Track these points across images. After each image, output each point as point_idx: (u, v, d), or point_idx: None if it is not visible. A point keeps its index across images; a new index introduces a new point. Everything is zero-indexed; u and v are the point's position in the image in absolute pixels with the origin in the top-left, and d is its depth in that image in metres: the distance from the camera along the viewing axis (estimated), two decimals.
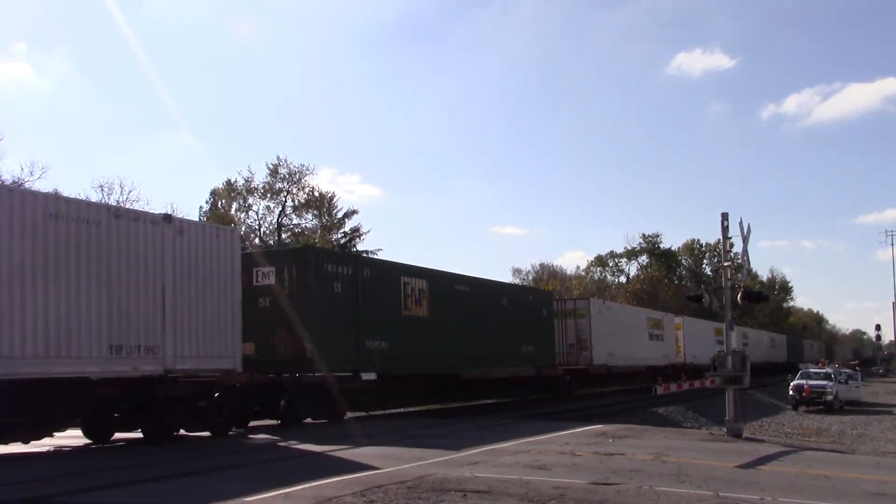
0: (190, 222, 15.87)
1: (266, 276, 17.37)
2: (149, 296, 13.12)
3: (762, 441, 16.89)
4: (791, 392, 33.93)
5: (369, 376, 18.37)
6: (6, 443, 12.14)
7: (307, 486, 8.64)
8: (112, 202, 33.80)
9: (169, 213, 16.74)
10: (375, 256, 37.86)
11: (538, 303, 28.71)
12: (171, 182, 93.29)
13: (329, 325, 17.49)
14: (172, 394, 13.77)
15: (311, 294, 17.31)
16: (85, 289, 12.09)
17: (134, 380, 13.00)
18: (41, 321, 11.40)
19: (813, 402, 33.16)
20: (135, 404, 13.71)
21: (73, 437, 14.25)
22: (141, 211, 16.03)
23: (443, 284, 22.33)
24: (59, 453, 12.98)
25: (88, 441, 14.03)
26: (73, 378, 11.95)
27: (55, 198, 13.26)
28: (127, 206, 28.80)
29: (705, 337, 44.71)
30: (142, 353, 12.88)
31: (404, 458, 11.04)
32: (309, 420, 17.70)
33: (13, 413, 11.47)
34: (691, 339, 42.74)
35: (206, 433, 14.98)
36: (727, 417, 16.40)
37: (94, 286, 12.23)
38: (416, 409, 23.44)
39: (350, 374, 18.10)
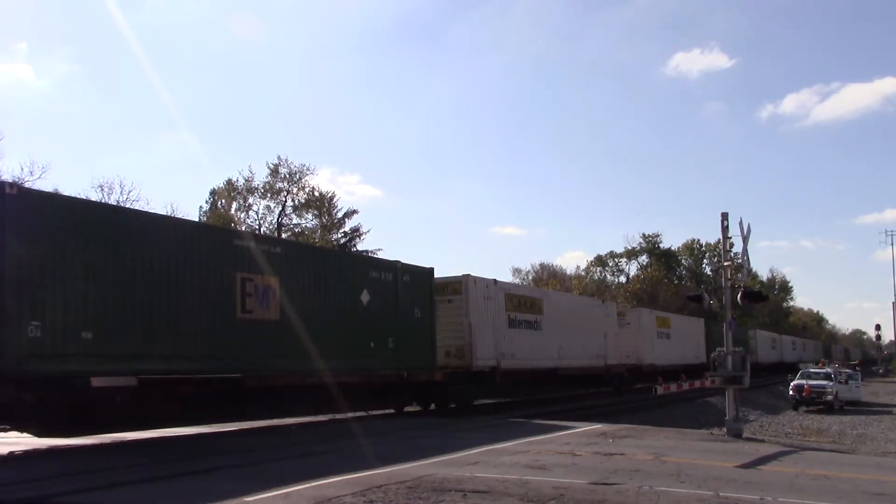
0: None
1: None
2: None
3: (762, 441, 16.89)
4: (791, 392, 33.95)
5: None
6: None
7: (307, 485, 8.63)
8: (112, 202, 33.78)
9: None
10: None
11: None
12: (171, 182, 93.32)
13: None
14: None
15: None
16: None
17: None
18: None
19: (813, 402, 33.16)
20: None
21: (74, 438, 14.22)
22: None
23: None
24: (59, 453, 12.97)
25: (89, 441, 14.02)
26: None
27: None
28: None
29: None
30: None
31: (404, 457, 11.04)
32: None
33: None
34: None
35: None
36: (727, 417, 16.42)
37: None
38: None
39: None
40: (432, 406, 21.55)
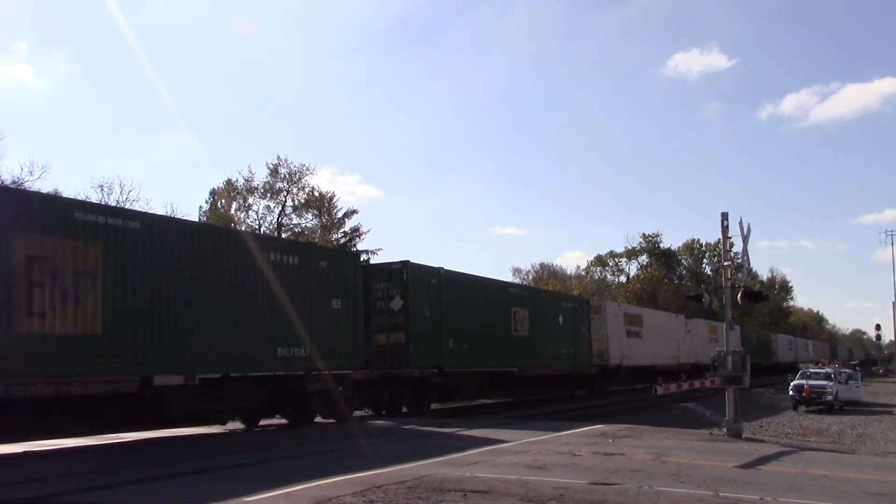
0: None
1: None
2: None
3: (762, 441, 16.89)
4: (791, 392, 33.92)
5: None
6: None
7: (307, 485, 8.64)
8: (112, 202, 33.81)
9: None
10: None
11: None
12: (171, 182, 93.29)
13: None
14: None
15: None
16: None
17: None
18: None
19: (813, 402, 33.14)
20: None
21: (74, 438, 14.23)
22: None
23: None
24: (58, 453, 12.97)
25: (88, 441, 14.03)
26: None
27: None
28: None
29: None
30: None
31: (404, 457, 11.04)
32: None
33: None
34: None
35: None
36: (727, 417, 16.42)
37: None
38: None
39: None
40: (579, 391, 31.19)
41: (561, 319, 29.09)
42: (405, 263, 20.48)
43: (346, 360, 17.57)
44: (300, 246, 19.16)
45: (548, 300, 30.53)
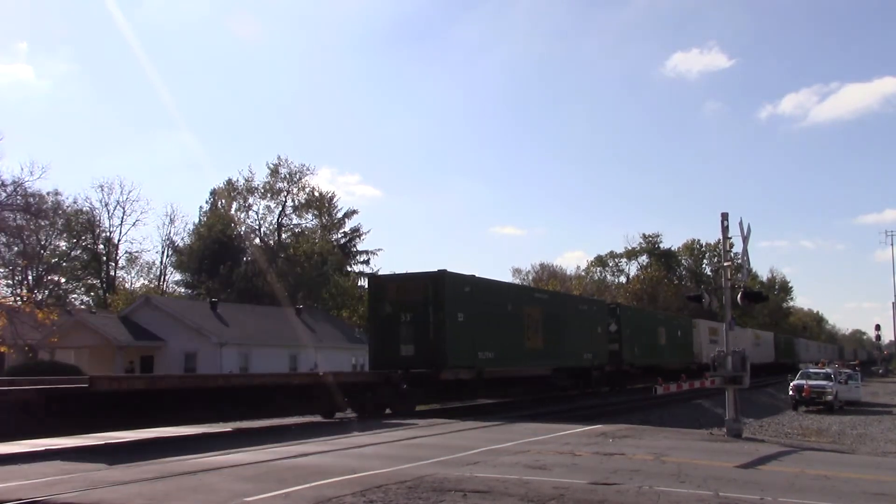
0: None
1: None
2: None
3: (762, 441, 16.89)
4: (791, 392, 33.92)
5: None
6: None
7: (307, 486, 8.63)
8: (112, 202, 33.81)
9: None
10: None
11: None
12: (171, 182, 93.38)
13: None
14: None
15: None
16: None
17: None
18: None
19: (813, 402, 33.14)
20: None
21: (73, 438, 14.22)
22: None
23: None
24: (59, 453, 12.96)
25: (89, 441, 14.03)
26: None
27: None
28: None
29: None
30: None
31: (404, 457, 11.04)
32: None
33: None
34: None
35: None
36: (727, 417, 16.42)
37: None
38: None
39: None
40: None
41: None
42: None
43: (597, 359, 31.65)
44: (587, 300, 36.73)
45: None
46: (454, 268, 23.11)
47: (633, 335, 35.17)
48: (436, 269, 21.72)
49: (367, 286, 37.51)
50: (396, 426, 16.63)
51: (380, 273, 44.24)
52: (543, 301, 28.36)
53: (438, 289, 21.31)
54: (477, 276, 24.13)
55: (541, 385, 28.07)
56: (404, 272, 27.55)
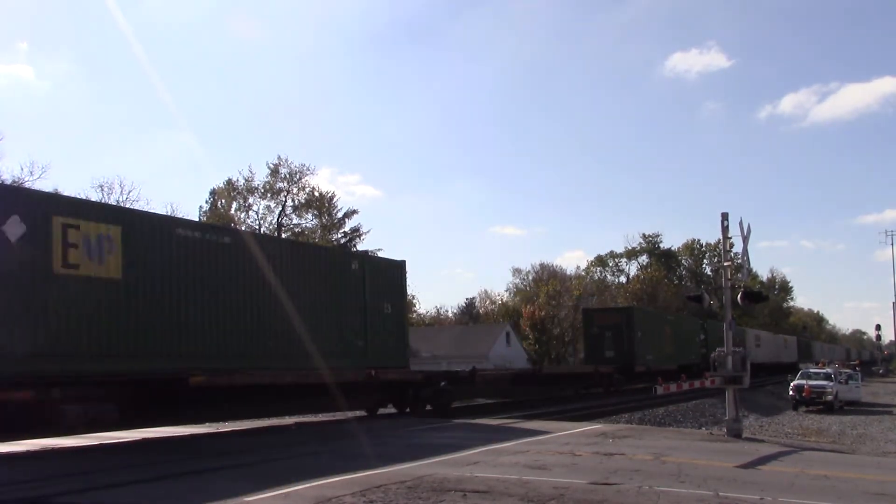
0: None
1: None
2: None
3: (762, 441, 16.88)
4: (791, 392, 33.92)
5: None
6: None
7: (307, 485, 8.63)
8: (112, 202, 33.84)
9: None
10: None
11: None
12: (171, 182, 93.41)
13: None
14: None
15: None
16: None
17: None
18: None
19: (813, 402, 33.14)
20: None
21: (74, 438, 14.24)
22: None
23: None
24: (58, 453, 12.97)
25: (89, 441, 14.04)
26: None
27: None
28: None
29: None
30: None
31: (404, 457, 11.04)
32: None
33: None
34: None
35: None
36: (727, 417, 16.40)
37: None
38: None
39: None
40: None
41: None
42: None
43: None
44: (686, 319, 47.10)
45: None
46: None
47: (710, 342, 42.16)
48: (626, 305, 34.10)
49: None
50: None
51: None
52: (669, 321, 42.01)
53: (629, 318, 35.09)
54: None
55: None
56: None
